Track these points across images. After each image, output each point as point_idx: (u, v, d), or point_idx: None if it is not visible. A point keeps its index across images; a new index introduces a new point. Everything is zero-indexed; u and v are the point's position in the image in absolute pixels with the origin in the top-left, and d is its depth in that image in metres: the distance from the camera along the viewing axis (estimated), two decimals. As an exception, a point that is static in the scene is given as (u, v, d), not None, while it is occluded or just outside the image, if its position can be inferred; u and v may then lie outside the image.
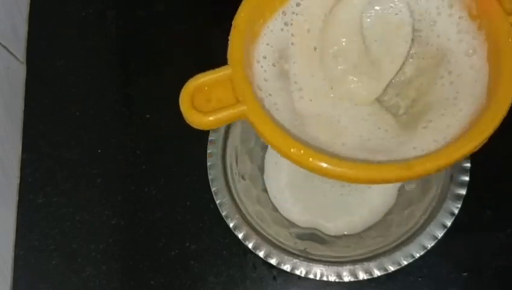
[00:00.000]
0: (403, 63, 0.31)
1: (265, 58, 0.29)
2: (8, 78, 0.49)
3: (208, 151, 0.41)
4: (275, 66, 0.30)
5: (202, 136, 0.42)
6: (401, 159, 0.25)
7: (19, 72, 0.51)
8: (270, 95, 0.28)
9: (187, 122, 0.26)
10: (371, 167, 0.25)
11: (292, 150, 0.25)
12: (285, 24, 0.30)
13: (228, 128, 0.42)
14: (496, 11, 0.27)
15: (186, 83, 0.26)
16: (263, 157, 0.44)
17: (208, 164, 0.40)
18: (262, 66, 0.29)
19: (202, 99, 0.26)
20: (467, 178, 0.38)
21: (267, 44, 0.30)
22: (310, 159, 0.24)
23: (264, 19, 0.30)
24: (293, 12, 0.30)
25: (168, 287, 0.43)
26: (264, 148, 0.44)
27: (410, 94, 0.30)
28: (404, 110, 0.30)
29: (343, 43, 0.30)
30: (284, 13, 0.30)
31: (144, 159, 0.47)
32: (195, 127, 0.26)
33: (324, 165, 0.24)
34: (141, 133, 0.48)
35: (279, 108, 0.28)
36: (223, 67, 0.26)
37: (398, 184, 0.42)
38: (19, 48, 0.51)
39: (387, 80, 0.31)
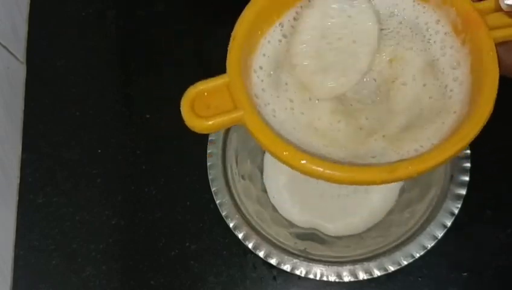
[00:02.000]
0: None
1: (261, 68, 0.30)
2: (8, 78, 0.49)
3: (208, 151, 0.41)
4: (271, 75, 0.30)
5: (202, 136, 0.41)
6: (384, 163, 0.27)
7: (19, 72, 0.51)
8: (268, 104, 0.29)
9: (188, 126, 0.28)
10: (354, 169, 0.26)
11: (284, 153, 0.27)
12: (284, 36, 0.31)
13: (228, 128, 0.42)
14: (479, 26, 0.28)
15: (187, 90, 0.28)
16: (263, 158, 0.44)
17: (208, 164, 0.40)
18: (258, 77, 0.30)
19: (202, 105, 0.28)
20: (467, 178, 0.38)
21: (264, 54, 0.31)
22: (301, 162, 0.27)
23: (262, 31, 0.30)
24: (292, 26, 0.31)
25: (168, 287, 0.43)
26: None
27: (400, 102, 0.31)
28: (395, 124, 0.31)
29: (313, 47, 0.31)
30: (281, 25, 0.31)
31: (144, 159, 0.47)
32: (196, 131, 0.28)
33: (314, 167, 0.26)
34: (141, 133, 0.48)
35: (277, 115, 0.29)
36: (221, 76, 0.28)
37: (399, 185, 0.42)
38: (19, 48, 0.51)
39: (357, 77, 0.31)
